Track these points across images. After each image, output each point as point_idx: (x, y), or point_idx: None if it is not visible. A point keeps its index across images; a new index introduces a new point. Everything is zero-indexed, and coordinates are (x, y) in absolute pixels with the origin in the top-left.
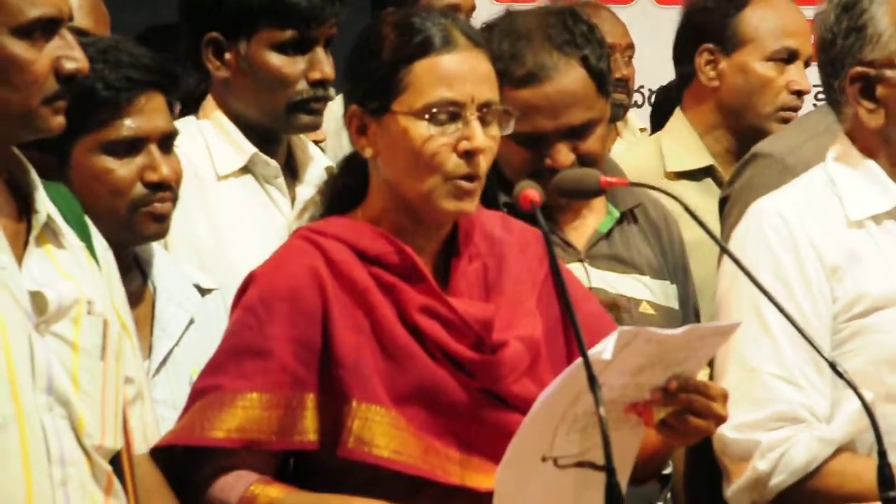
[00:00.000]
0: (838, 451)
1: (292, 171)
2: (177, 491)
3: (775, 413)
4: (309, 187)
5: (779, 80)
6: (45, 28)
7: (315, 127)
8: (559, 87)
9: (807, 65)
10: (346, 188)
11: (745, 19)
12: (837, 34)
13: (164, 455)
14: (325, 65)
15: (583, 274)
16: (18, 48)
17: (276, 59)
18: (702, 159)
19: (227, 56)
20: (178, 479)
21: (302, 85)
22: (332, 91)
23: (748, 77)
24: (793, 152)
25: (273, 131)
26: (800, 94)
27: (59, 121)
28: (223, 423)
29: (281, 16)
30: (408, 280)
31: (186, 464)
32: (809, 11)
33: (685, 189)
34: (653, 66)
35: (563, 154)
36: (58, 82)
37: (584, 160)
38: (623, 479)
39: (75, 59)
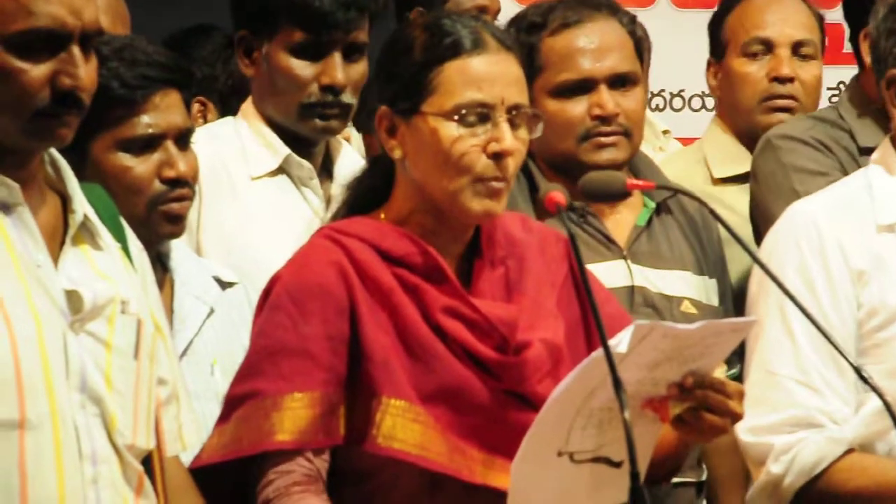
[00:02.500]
0: (849, 452)
1: (329, 172)
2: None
3: (791, 417)
4: None
5: (756, 72)
6: (46, 41)
7: (331, 132)
8: (599, 31)
9: (798, 52)
10: (370, 189)
11: (726, 23)
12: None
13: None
14: (337, 71)
15: (625, 271)
16: (7, 58)
17: (289, 61)
18: (745, 163)
19: (255, 54)
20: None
21: (313, 89)
22: (348, 97)
23: (730, 78)
24: (806, 132)
25: (299, 133)
26: (780, 80)
27: (60, 134)
28: (275, 426)
29: (295, 17)
30: (431, 281)
31: (224, 473)
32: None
33: (733, 195)
34: (672, 69)
35: (611, 102)
36: (52, 97)
37: (628, 119)
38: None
39: (72, 77)
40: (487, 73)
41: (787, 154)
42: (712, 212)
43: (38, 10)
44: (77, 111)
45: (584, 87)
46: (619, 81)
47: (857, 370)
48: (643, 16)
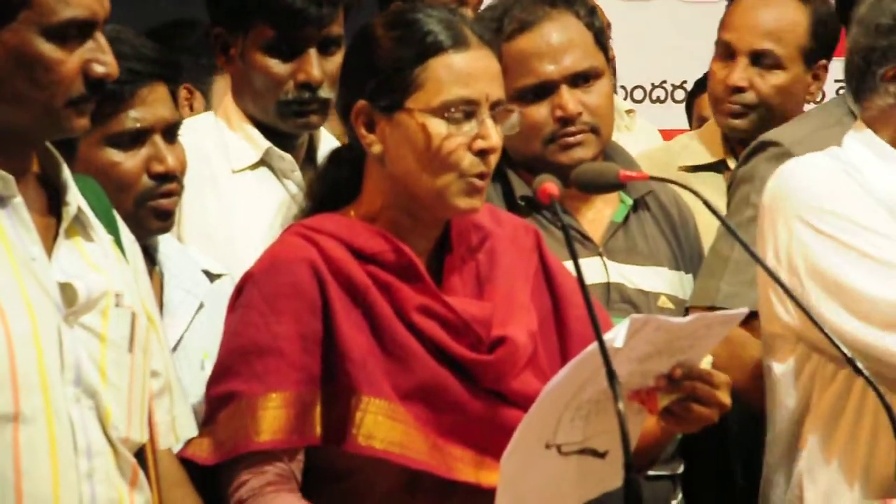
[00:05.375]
0: None
1: (313, 161)
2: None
3: None
4: None
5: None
6: (78, 30)
7: (311, 127)
8: (554, 30)
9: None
10: (336, 183)
11: None
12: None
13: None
14: (312, 67)
15: (601, 268)
16: (47, 48)
17: (263, 60)
18: (714, 154)
19: (231, 52)
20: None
21: (289, 86)
22: (325, 91)
23: None
24: (801, 142)
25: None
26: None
27: (83, 123)
28: (252, 429)
29: (267, 15)
30: (404, 279)
31: (206, 474)
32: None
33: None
34: (675, 61)
35: (572, 102)
36: (85, 85)
37: (593, 115)
38: (620, 467)
39: (105, 64)
40: (472, 70)
41: (769, 159)
42: (706, 202)
43: (74, 0)
44: (97, 99)
45: (544, 89)
46: (580, 79)
47: (850, 360)
48: (647, 7)
